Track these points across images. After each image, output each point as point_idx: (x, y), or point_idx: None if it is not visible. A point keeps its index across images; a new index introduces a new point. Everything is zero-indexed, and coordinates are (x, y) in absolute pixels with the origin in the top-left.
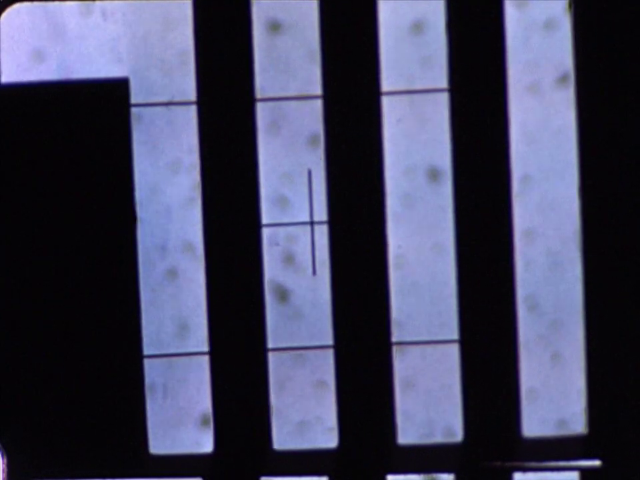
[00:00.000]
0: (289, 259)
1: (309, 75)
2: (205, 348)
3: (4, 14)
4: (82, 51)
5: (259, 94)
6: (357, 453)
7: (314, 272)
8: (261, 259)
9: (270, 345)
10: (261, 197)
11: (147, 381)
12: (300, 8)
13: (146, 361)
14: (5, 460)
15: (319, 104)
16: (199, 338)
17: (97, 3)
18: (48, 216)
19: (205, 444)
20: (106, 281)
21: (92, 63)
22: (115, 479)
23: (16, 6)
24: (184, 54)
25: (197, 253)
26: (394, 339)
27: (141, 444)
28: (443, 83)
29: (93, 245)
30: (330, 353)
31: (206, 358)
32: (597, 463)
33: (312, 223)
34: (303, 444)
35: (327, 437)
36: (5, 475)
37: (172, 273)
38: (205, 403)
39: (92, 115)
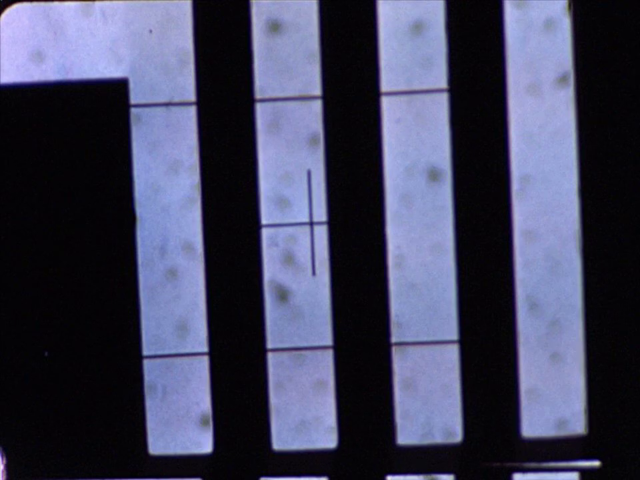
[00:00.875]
0: (288, 260)
1: (308, 75)
2: (205, 348)
3: (4, 14)
4: (81, 51)
5: (258, 94)
6: (357, 454)
7: (313, 272)
8: (260, 259)
9: (270, 345)
10: (260, 197)
11: (147, 381)
12: (300, 8)
13: (145, 362)
14: (5, 460)
15: (318, 104)
16: (199, 338)
17: (97, 3)
18: (48, 216)
19: (204, 444)
20: (105, 280)
21: (91, 64)
22: (115, 479)
23: (16, 6)
24: (184, 54)
25: (197, 253)
26: (393, 339)
27: (141, 444)
28: (443, 83)
29: (92, 244)
30: (330, 353)
31: (205, 358)
32: (596, 463)
33: (311, 224)
34: (303, 444)
35: (326, 437)
36: (4, 475)
37: (172, 273)
38: (204, 403)
39: (91, 116)
